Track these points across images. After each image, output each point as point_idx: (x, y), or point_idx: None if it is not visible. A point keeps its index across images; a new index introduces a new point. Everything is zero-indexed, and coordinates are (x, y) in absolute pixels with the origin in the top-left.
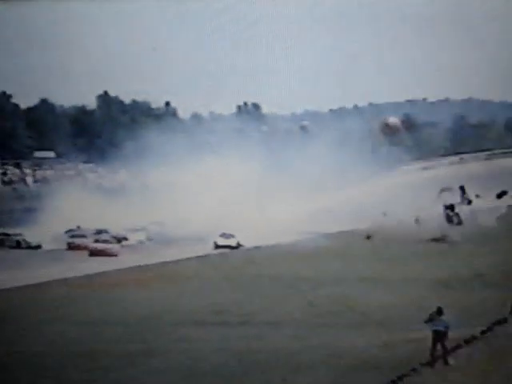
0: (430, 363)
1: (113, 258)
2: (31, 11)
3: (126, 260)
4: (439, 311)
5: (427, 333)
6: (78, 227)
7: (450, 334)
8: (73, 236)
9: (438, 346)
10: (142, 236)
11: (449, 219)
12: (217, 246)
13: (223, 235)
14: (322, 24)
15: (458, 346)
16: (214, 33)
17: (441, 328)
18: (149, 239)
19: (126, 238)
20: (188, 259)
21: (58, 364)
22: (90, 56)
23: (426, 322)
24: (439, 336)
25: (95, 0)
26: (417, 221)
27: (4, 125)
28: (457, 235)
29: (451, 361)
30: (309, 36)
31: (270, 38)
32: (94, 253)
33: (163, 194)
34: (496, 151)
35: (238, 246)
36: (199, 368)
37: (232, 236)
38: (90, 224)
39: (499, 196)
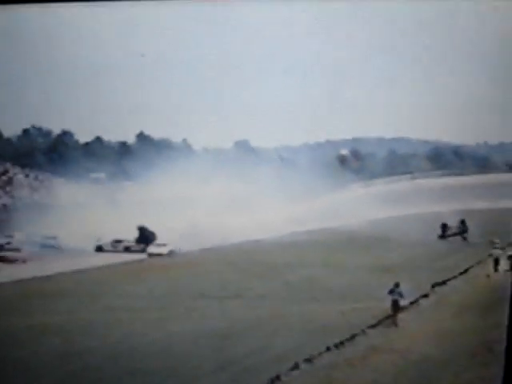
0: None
1: None
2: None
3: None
4: (397, 285)
5: (373, 304)
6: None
7: (385, 304)
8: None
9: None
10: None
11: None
12: (149, 254)
13: (157, 245)
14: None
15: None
16: (213, 84)
17: (397, 297)
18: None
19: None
20: (201, 250)
21: (99, 323)
22: (127, 105)
23: (388, 293)
24: (396, 304)
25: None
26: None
27: (67, 155)
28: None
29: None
30: (281, 88)
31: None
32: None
33: (179, 207)
34: (417, 174)
35: (170, 253)
36: (205, 329)
37: (164, 245)
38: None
39: None
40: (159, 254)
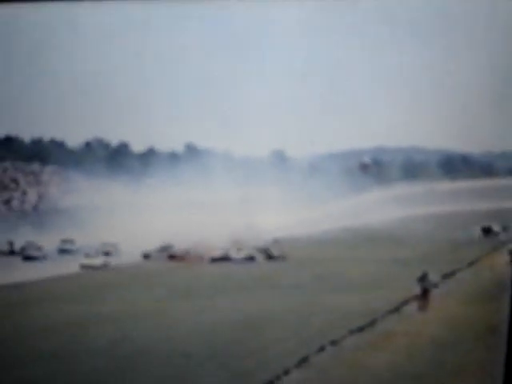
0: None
1: None
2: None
3: None
4: (425, 274)
5: (392, 292)
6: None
7: (402, 292)
8: None
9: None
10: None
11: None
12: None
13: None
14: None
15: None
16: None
17: (427, 285)
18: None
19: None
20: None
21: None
22: (173, 116)
23: (418, 281)
24: (426, 291)
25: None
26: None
27: (127, 164)
28: None
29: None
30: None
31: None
32: None
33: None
34: (429, 178)
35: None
36: (245, 315)
37: (98, 257)
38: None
39: None
40: (92, 266)
